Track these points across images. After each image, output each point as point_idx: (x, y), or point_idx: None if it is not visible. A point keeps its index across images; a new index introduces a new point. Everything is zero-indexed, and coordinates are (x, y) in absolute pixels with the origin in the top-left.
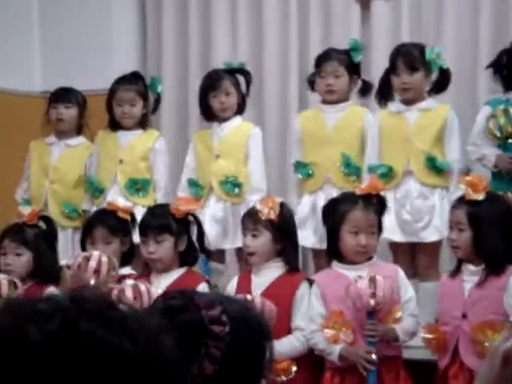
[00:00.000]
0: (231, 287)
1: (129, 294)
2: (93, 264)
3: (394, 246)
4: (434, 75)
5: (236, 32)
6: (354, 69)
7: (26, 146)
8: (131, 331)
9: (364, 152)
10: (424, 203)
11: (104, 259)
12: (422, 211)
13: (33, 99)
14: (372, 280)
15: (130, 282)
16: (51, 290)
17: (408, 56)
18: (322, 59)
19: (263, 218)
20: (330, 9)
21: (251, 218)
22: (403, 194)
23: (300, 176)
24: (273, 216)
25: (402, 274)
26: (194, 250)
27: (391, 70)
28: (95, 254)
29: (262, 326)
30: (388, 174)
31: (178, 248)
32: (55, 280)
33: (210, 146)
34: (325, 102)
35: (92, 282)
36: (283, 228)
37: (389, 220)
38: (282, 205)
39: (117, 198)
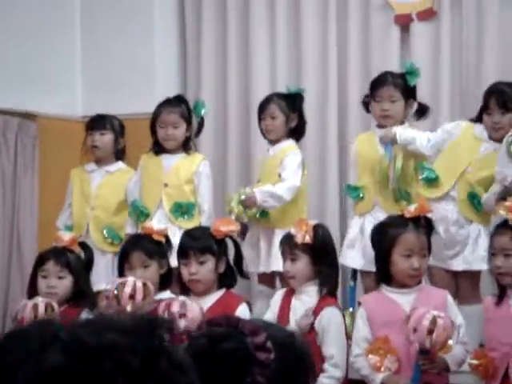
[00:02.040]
0: (274, 306)
1: (175, 308)
2: (128, 290)
3: (432, 269)
4: None
5: (275, 57)
6: (409, 92)
7: (68, 171)
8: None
9: (415, 176)
10: (459, 232)
11: (139, 284)
12: (456, 240)
13: (75, 124)
14: (433, 322)
15: (181, 298)
16: (87, 313)
17: (501, 95)
18: (378, 83)
19: (299, 242)
20: (369, 31)
21: (288, 243)
22: (440, 218)
23: (351, 199)
24: (308, 239)
25: (450, 299)
26: (232, 272)
27: (484, 108)
28: (130, 279)
29: (306, 355)
30: (432, 182)
31: (219, 269)
32: (91, 304)
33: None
34: (380, 125)
35: (128, 308)
36: (320, 250)
37: None
38: (316, 227)
39: (155, 222)
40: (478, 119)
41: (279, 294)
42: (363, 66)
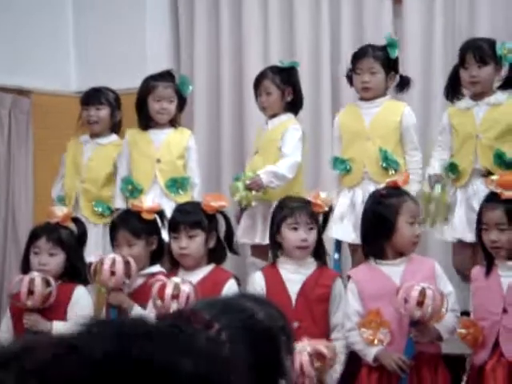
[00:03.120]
0: (258, 285)
1: (169, 290)
2: (106, 267)
3: (460, 245)
4: (504, 71)
5: (267, 29)
6: (390, 64)
7: (62, 146)
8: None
9: (401, 146)
10: None
11: (119, 259)
12: None
13: (68, 99)
14: (422, 293)
15: (176, 279)
16: (81, 289)
17: (478, 50)
18: (358, 56)
19: (319, 211)
20: (362, 4)
21: (307, 212)
22: (471, 194)
23: (338, 172)
24: (325, 209)
25: (439, 268)
26: (222, 248)
27: (460, 64)
28: (109, 256)
29: (273, 330)
30: (454, 171)
31: (208, 244)
32: (85, 280)
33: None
34: (362, 98)
35: (110, 284)
36: (322, 222)
37: (459, 220)
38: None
39: (150, 198)
40: (451, 81)
41: (259, 276)
42: (356, 39)
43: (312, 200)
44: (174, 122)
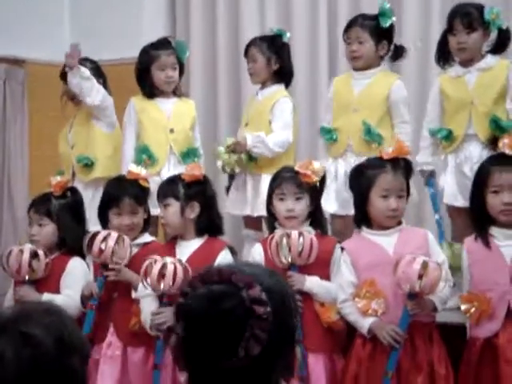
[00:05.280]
0: (258, 255)
1: (155, 270)
2: (98, 241)
3: (454, 211)
4: (493, 36)
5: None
6: (381, 33)
7: (56, 117)
8: None
9: (388, 119)
10: None
11: (114, 235)
12: None
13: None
14: (424, 266)
15: (168, 260)
16: (76, 260)
17: (466, 16)
18: (348, 25)
19: (307, 180)
20: None
21: (294, 181)
22: (463, 159)
23: (324, 140)
24: (316, 179)
25: (431, 237)
26: (211, 218)
27: (448, 30)
28: (103, 232)
29: (290, 295)
30: (449, 137)
31: (187, 214)
32: (81, 251)
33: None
34: (354, 68)
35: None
36: (317, 192)
37: (450, 185)
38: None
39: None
40: (440, 47)
41: (258, 247)
42: (353, 8)
43: (300, 170)
44: (176, 91)
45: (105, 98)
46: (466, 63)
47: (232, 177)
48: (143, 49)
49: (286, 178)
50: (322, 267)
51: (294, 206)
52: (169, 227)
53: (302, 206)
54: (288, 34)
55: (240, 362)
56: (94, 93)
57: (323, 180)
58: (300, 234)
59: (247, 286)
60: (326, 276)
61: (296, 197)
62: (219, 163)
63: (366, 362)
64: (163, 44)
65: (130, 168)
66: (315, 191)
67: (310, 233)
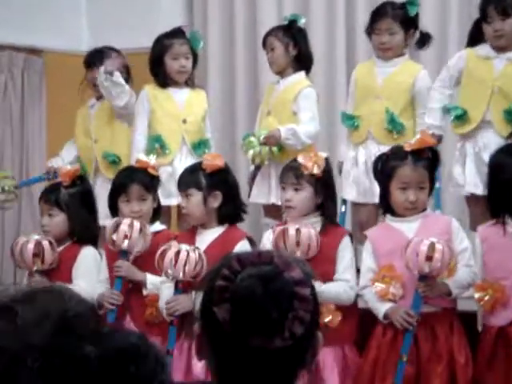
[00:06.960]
0: (268, 242)
1: (167, 259)
2: (124, 228)
3: (473, 200)
4: None
5: None
6: (410, 22)
7: (75, 106)
8: None
9: (411, 110)
10: None
11: (136, 225)
12: None
13: (81, 58)
14: (431, 248)
15: (184, 247)
16: (88, 249)
17: (499, 2)
18: (377, 16)
19: (306, 172)
20: None
21: (293, 172)
22: (482, 147)
23: (345, 127)
24: (317, 171)
25: (455, 224)
26: (233, 208)
27: (482, 18)
28: (126, 220)
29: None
30: (461, 118)
31: (210, 204)
32: (92, 240)
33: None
34: (379, 56)
35: (124, 246)
36: (325, 183)
37: (469, 173)
38: (327, 159)
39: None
40: (473, 36)
41: (270, 235)
42: None
43: (301, 161)
44: (189, 81)
45: (130, 100)
46: (499, 50)
47: (258, 167)
48: (157, 38)
49: (285, 168)
50: (325, 264)
51: (291, 196)
52: (191, 217)
53: (300, 197)
54: (303, 19)
55: (285, 342)
56: (121, 95)
57: (329, 171)
58: (297, 229)
59: (288, 268)
60: (330, 273)
61: (294, 187)
62: (250, 153)
63: (385, 348)
64: (177, 33)
65: (139, 156)
66: (323, 182)
67: (316, 224)
